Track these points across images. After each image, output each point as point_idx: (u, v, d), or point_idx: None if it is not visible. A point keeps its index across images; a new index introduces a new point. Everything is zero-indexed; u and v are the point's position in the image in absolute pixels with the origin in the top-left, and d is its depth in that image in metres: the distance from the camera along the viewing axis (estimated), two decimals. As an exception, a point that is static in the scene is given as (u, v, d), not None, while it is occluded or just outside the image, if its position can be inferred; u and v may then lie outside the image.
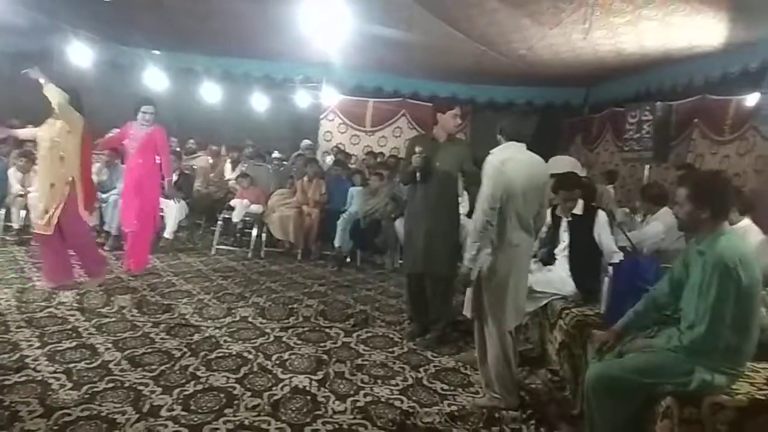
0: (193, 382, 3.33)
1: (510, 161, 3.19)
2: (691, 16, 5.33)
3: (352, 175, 7.79)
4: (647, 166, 7.65)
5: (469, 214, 5.26)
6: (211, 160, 8.86)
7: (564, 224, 4.01)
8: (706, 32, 5.81)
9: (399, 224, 6.70)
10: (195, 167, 8.11)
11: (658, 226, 4.38)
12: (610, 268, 3.53)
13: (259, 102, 10.42)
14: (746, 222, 3.79)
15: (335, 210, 7.09)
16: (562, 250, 3.95)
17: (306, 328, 4.40)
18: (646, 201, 4.70)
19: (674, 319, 2.69)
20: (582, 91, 10.12)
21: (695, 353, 2.35)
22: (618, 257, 3.70)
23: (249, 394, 3.23)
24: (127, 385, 3.24)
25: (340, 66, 9.37)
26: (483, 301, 3.27)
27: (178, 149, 8.51)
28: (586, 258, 3.85)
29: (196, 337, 4.07)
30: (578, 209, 3.90)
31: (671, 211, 4.07)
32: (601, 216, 3.90)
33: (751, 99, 6.26)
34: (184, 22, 7.42)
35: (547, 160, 3.53)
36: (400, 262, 6.78)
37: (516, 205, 3.17)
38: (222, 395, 3.19)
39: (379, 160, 9.32)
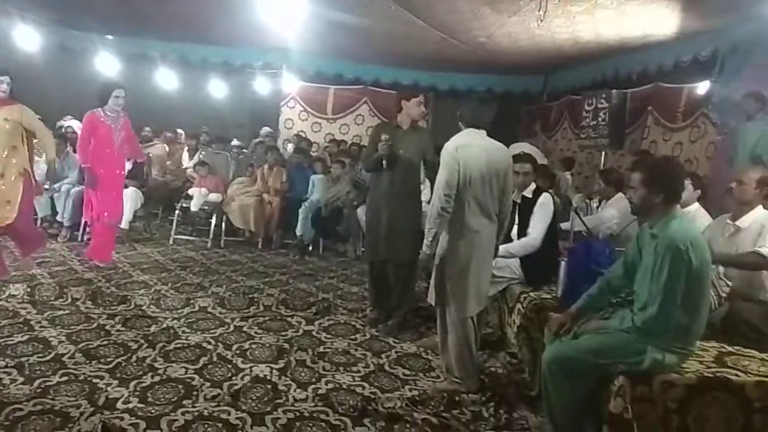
0: (150, 374, 3.27)
1: (466, 148, 3.20)
2: (645, 5, 5.44)
3: (313, 162, 7.72)
4: (603, 153, 7.82)
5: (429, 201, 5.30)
6: (167, 148, 8.65)
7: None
8: (660, 21, 5.94)
9: (361, 212, 6.69)
10: (151, 155, 7.89)
11: (612, 211, 4.49)
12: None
13: (217, 89, 10.21)
14: (695, 206, 3.91)
15: (297, 198, 7.03)
16: (516, 234, 3.99)
17: (267, 318, 4.37)
18: (607, 185, 4.80)
19: (628, 301, 2.76)
20: (540, 79, 10.24)
21: (647, 333, 2.42)
22: (530, 243, 3.74)
23: (208, 384, 3.19)
24: (81, 378, 3.16)
25: (300, 52, 9.25)
26: (445, 287, 3.30)
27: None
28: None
29: (153, 328, 3.99)
30: (528, 192, 3.91)
31: (625, 196, 4.16)
32: (542, 198, 3.87)
33: (702, 87, 6.46)
34: (138, 6, 7.19)
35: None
36: (363, 249, 6.79)
37: (475, 191, 3.19)
38: (180, 386, 3.14)
39: (341, 147, 9.27)
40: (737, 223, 3.23)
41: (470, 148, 3.21)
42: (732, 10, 5.34)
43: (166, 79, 9.49)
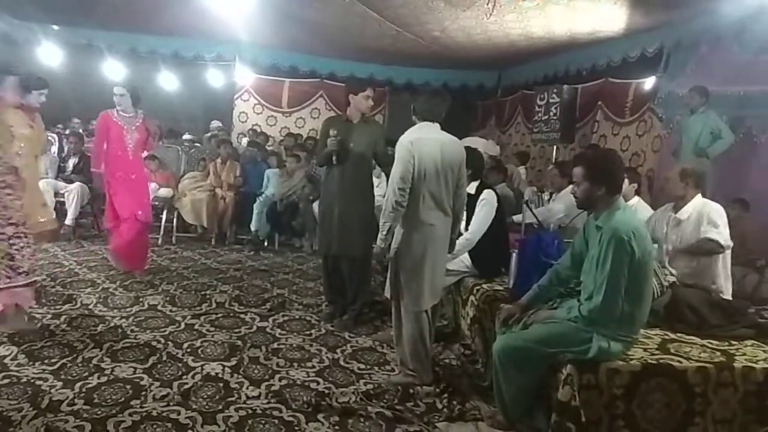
0: (96, 375, 3.16)
1: (421, 141, 3.21)
2: (594, 2, 5.56)
3: (267, 156, 7.62)
4: (555, 147, 7.98)
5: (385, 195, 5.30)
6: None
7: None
8: (608, 18, 6.08)
9: (317, 206, 6.65)
10: (99, 149, 7.64)
11: (559, 205, 4.58)
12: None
13: (168, 81, 9.94)
14: (635, 199, 4.04)
15: (251, 193, 6.93)
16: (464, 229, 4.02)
17: (219, 315, 4.29)
18: (563, 177, 4.88)
19: (576, 291, 2.83)
20: (495, 73, 10.35)
21: (593, 322, 2.48)
22: (468, 240, 3.78)
23: (157, 384, 3.10)
24: (24, 380, 3.04)
25: (254, 44, 9.10)
26: (399, 280, 3.30)
27: (80, 131, 8.03)
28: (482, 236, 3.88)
29: (100, 327, 3.87)
30: (471, 188, 3.91)
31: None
32: (483, 194, 3.89)
33: (649, 82, 6.66)
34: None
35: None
36: (319, 244, 6.75)
37: (429, 184, 3.20)
38: (128, 386, 3.05)
39: (297, 141, 9.18)
40: (678, 215, 3.34)
41: (425, 141, 3.22)
42: (676, 7, 5.52)
43: (114, 71, 9.18)
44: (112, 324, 3.95)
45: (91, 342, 3.61)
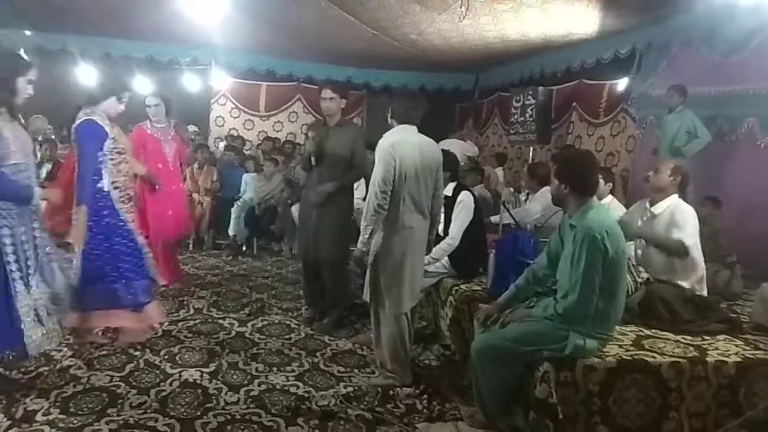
0: (72, 384, 3.12)
1: (401, 144, 3.21)
2: (568, 5, 5.63)
3: (245, 161, 7.58)
4: (532, 148, 8.06)
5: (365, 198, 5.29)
6: (91, 148, 8.25)
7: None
8: (582, 20, 6.16)
9: (295, 210, 6.62)
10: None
11: (536, 205, 4.63)
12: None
13: (143, 85, 9.82)
14: (609, 198, 4.10)
15: (229, 197, 6.88)
16: (442, 231, 4.04)
17: (198, 321, 4.25)
18: (531, 179, 4.93)
19: (553, 290, 2.86)
20: (472, 76, 10.43)
21: (569, 320, 2.51)
22: (449, 244, 3.80)
23: (134, 391, 3.07)
24: (-5, 390, 2.98)
25: (230, 48, 9.04)
26: (379, 283, 3.30)
27: (53, 137, 7.89)
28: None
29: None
30: (449, 190, 3.92)
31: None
32: (461, 196, 3.91)
33: (622, 83, 6.77)
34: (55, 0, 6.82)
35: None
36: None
37: (409, 187, 3.20)
38: (105, 395, 3.01)
39: (275, 145, 9.14)
40: (653, 209, 3.40)
41: (405, 144, 3.22)
42: (647, 9, 5.61)
43: (88, 76, 9.03)
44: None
45: (67, 351, 3.55)
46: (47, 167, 6.67)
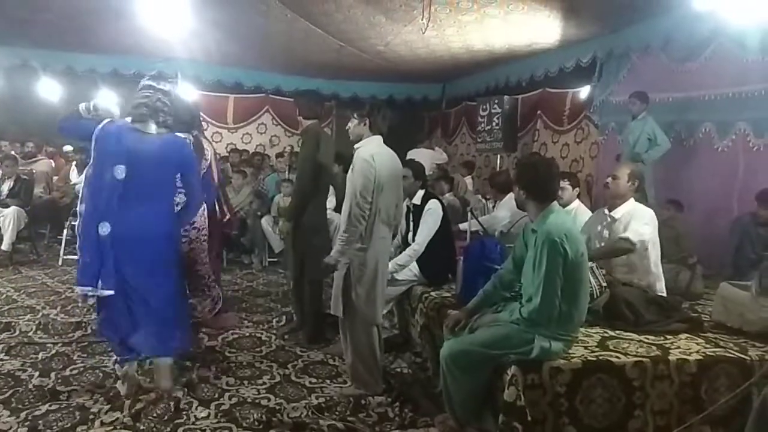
0: (42, 402, 3.07)
1: (379, 155, 3.22)
2: (529, 15, 5.74)
3: (213, 173, 7.49)
4: (499, 156, 8.18)
5: (336, 209, 5.30)
6: (53, 164, 8.11)
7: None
8: (544, 30, 6.29)
9: (266, 222, 6.60)
10: (35, 172, 7.36)
11: (503, 212, 4.70)
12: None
13: (108, 99, 9.67)
14: (576, 203, 4.19)
15: (197, 211, 6.79)
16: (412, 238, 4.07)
17: (167, 336, 4.19)
18: (493, 188, 5.01)
19: (520, 295, 2.90)
20: (439, 86, 10.53)
21: (533, 324, 2.56)
22: (414, 251, 3.85)
23: (107, 407, 3.02)
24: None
25: (196, 61, 8.97)
26: (351, 296, 3.27)
27: (13, 153, 7.71)
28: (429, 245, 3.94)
29: (41, 355, 3.73)
30: (417, 199, 3.97)
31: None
32: (429, 204, 3.95)
33: (584, 91, 6.93)
34: (14, 14, 6.69)
35: (405, 154, 3.63)
36: (270, 260, 6.70)
37: (385, 198, 3.22)
38: (77, 412, 2.96)
39: (243, 157, 9.08)
40: (612, 214, 3.49)
41: (383, 156, 3.25)
42: (606, 19, 5.76)
43: (50, 91, 8.88)
44: (53, 351, 3.82)
45: (33, 370, 3.48)
46: (8, 184, 6.53)
